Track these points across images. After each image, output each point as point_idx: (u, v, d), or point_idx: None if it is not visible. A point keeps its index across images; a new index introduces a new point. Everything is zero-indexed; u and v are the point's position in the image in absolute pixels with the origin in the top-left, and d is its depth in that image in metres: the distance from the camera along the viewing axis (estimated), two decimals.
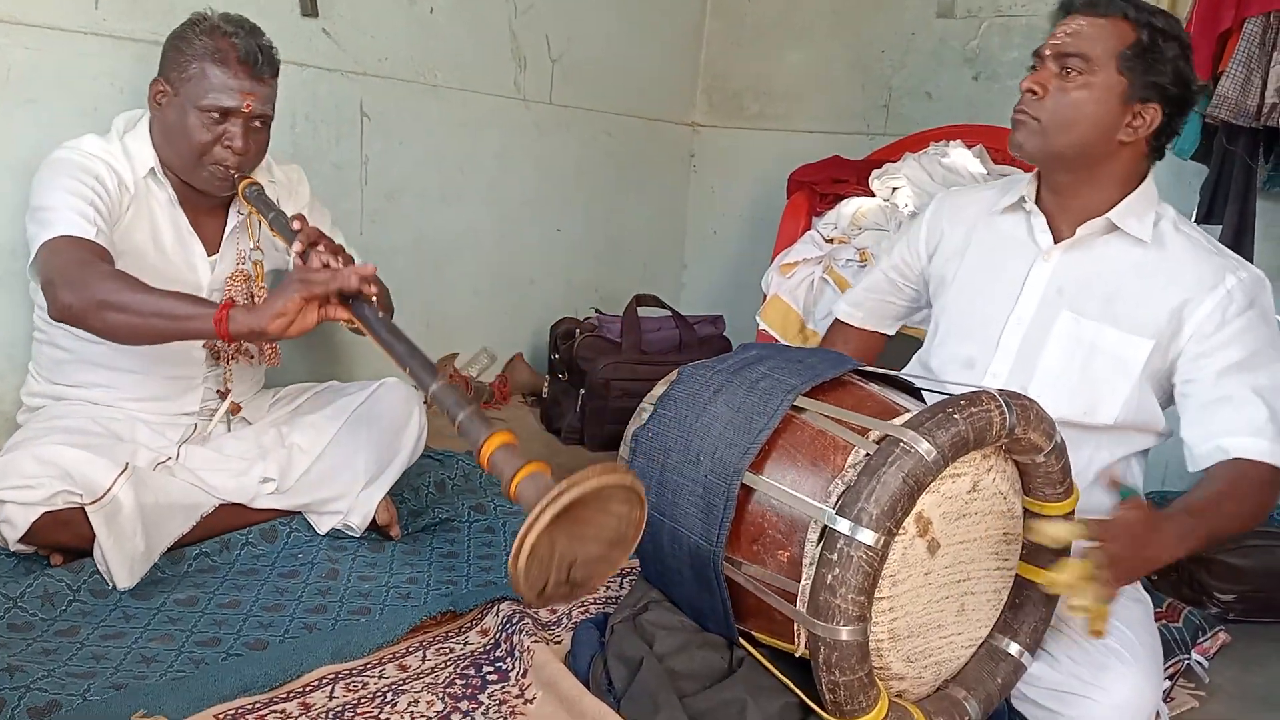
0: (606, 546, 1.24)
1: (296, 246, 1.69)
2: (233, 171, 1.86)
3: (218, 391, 2.04)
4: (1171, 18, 1.56)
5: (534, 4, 3.16)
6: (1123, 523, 1.25)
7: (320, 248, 1.68)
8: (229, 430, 2.07)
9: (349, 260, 1.71)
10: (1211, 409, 1.51)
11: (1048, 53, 1.56)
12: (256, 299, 1.96)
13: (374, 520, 2.03)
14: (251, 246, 2.00)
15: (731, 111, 3.85)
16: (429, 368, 1.48)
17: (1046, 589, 1.33)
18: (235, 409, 2.06)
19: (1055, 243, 1.63)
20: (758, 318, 2.82)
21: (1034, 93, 1.55)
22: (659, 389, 1.57)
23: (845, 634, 1.20)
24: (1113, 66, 1.51)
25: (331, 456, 2.01)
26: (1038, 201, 1.66)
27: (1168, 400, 1.60)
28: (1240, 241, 2.46)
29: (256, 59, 1.83)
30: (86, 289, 1.61)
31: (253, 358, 2.07)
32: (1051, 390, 1.55)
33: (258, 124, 1.87)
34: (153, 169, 1.87)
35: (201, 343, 1.96)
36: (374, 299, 1.60)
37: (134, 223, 1.86)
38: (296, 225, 1.72)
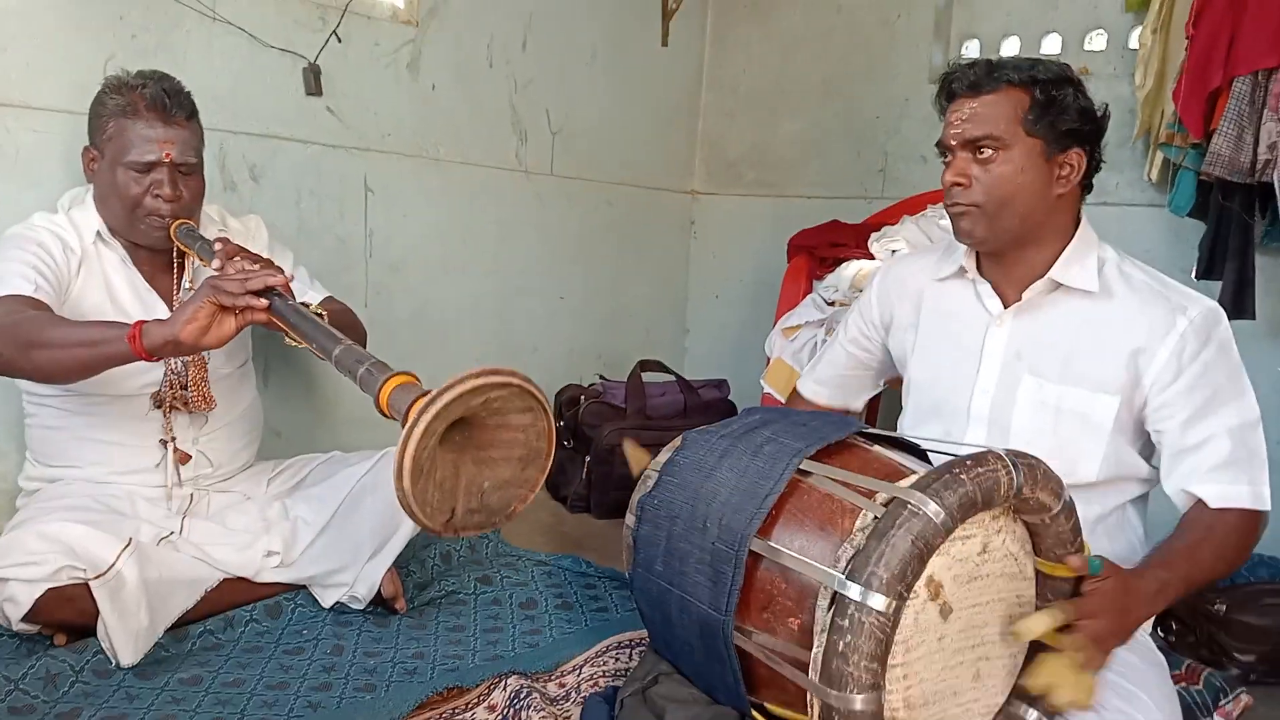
0: (519, 466, 1.18)
1: (216, 263, 1.70)
2: (168, 220, 1.87)
3: (160, 440, 1.97)
4: (1048, 61, 1.56)
5: (534, 79, 3.22)
6: (1099, 595, 1.28)
7: (237, 259, 1.70)
8: (195, 496, 2.03)
9: (271, 267, 1.72)
10: (1182, 457, 1.52)
11: (954, 143, 1.56)
12: (201, 369, 1.97)
13: (379, 593, 2.01)
14: (187, 286, 1.98)
15: (729, 179, 3.90)
16: (332, 337, 1.48)
17: (1032, 692, 1.33)
18: (184, 458, 1.99)
19: (1005, 307, 1.63)
20: (762, 381, 2.82)
21: (961, 185, 1.56)
22: (664, 455, 1.56)
23: (859, 703, 1.18)
24: (1021, 133, 1.52)
25: (336, 529, 2.00)
26: (979, 269, 1.67)
27: (1149, 447, 1.59)
28: (1242, 297, 2.47)
29: (165, 104, 1.84)
30: (14, 332, 1.62)
31: (188, 404, 1.97)
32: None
33: (184, 170, 1.88)
34: (99, 233, 1.90)
35: (146, 393, 1.93)
36: (286, 286, 1.60)
37: (86, 284, 1.88)
38: (217, 246, 1.73)
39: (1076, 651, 1.30)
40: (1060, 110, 1.52)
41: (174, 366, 1.94)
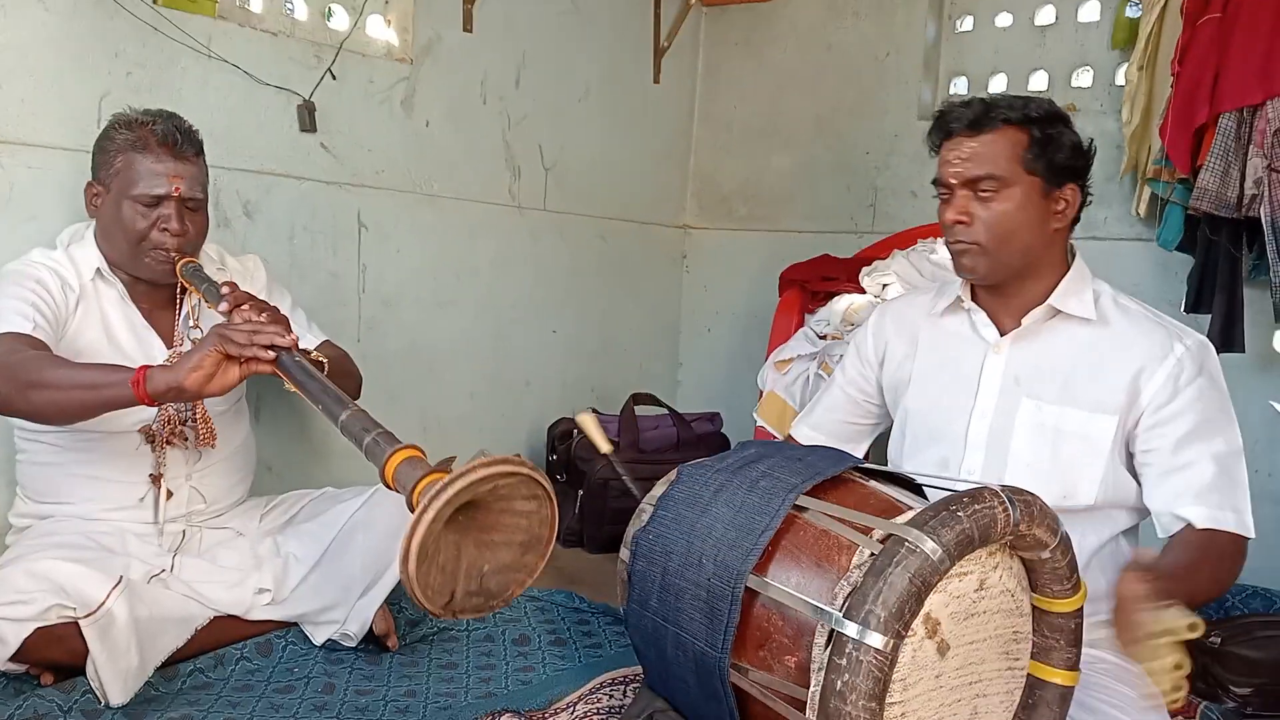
0: (519, 551, 1.19)
1: (223, 307, 1.70)
2: (173, 254, 1.87)
3: (149, 475, 1.95)
4: (1037, 99, 1.59)
5: (527, 115, 3.25)
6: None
7: (245, 307, 1.70)
8: (187, 532, 2.01)
9: (279, 319, 1.72)
10: (1172, 477, 1.54)
11: (954, 181, 1.58)
12: (199, 412, 1.95)
13: (371, 630, 2.00)
14: (191, 325, 1.97)
15: (721, 214, 3.92)
16: (340, 401, 1.48)
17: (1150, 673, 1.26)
18: (167, 494, 1.97)
19: (1002, 335, 1.66)
20: (755, 414, 2.82)
21: (963, 223, 1.58)
22: (658, 489, 1.56)
23: None
24: (1020, 171, 1.55)
25: (327, 565, 1.99)
26: (975, 299, 1.69)
27: (1134, 470, 1.61)
28: (1230, 330, 2.49)
29: (176, 140, 1.86)
30: (14, 372, 1.61)
31: (188, 440, 1.96)
32: (1027, 479, 1.56)
33: (190, 206, 1.89)
34: (99, 269, 1.90)
35: (136, 428, 1.91)
36: (295, 346, 1.60)
37: (84, 321, 1.88)
38: (225, 290, 1.73)
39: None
40: (1056, 146, 1.55)
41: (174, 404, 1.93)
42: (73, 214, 2.14)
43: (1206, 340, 1.59)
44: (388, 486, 1.31)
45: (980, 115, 1.56)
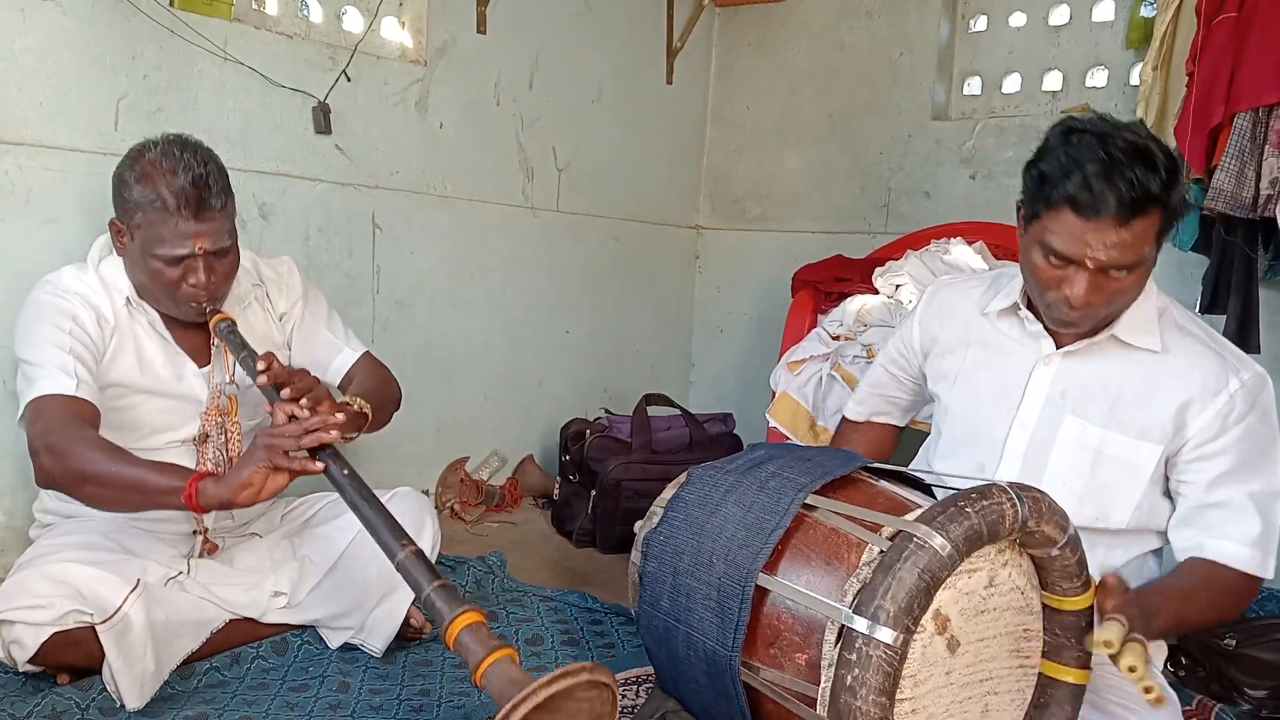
0: None
1: (261, 379, 1.69)
2: (205, 304, 1.84)
3: (194, 532, 1.97)
4: (1169, 154, 1.42)
5: (540, 116, 3.26)
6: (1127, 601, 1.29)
7: (286, 393, 1.68)
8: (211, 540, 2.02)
9: (323, 396, 1.71)
10: (1202, 512, 1.52)
11: (1090, 265, 1.42)
12: (230, 435, 1.95)
13: (407, 623, 2.00)
14: (226, 380, 1.94)
15: (734, 214, 3.93)
16: (397, 533, 1.48)
17: (1095, 650, 1.29)
18: (211, 548, 1.99)
19: (1057, 347, 1.60)
20: (767, 415, 2.82)
21: (1095, 304, 1.46)
22: (669, 491, 1.56)
23: None
24: (1155, 249, 1.44)
25: (343, 570, 1.98)
26: (1031, 306, 1.62)
27: (1169, 494, 1.58)
28: (1245, 332, 2.47)
29: (198, 199, 1.75)
30: (67, 460, 1.61)
31: (220, 460, 1.97)
32: (1061, 495, 1.52)
33: (217, 255, 1.82)
34: (129, 298, 1.86)
35: (174, 446, 1.92)
36: (341, 437, 1.61)
37: (118, 352, 1.85)
38: (262, 366, 1.71)
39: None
40: (1177, 215, 1.46)
41: (216, 443, 1.94)
42: (91, 216, 2.16)
43: (1264, 373, 1.52)
44: (446, 646, 1.35)
45: (1140, 200, 1.37)
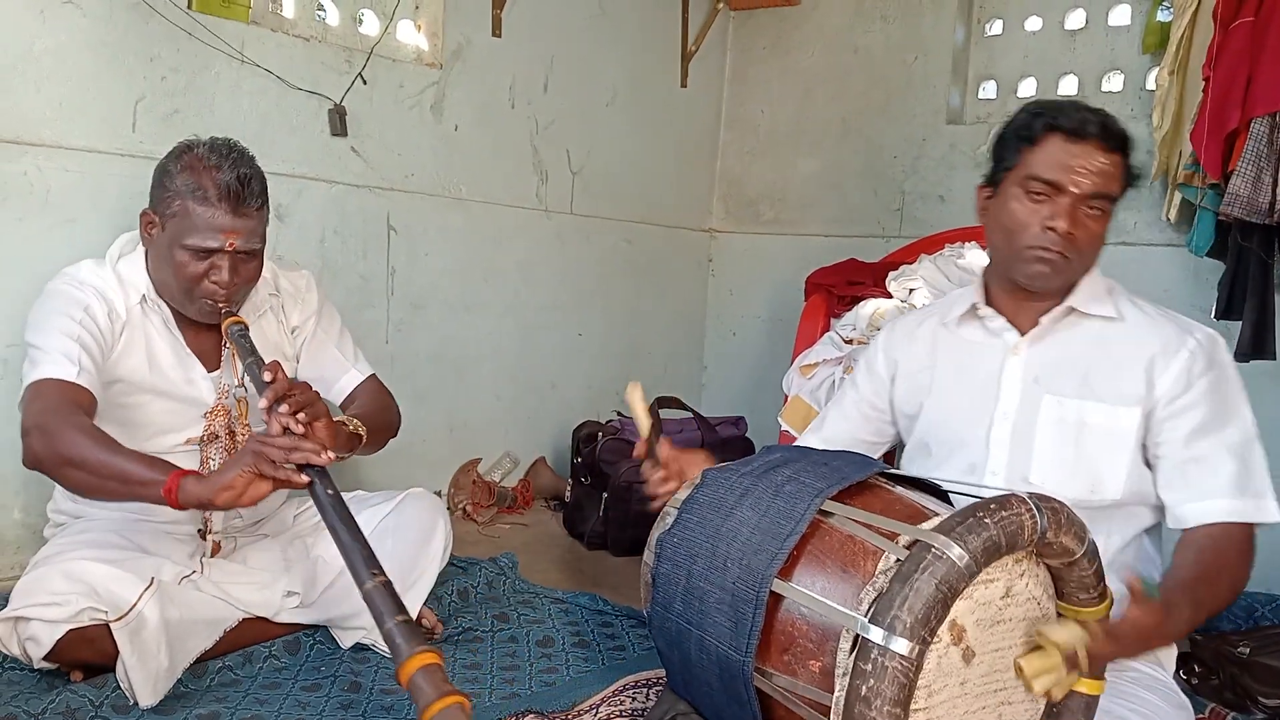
0: None
1: (262, 402, 1.69)
2: (221, 305, 1.85)
3: (199, 531, 1.98)
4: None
5: (555, 119, 3.26)
6: (1131, 627, 1.27)
7: (285, 406, 1.67)
8: (223, 543, 2.03)
9: (321, 413, 1.71)
10: (1186, 469, 1.54)
11: (1075, 191, 1.51)
12: (238, 439, 1.95)
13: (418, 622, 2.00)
14: (235, 384, 1.94)
15: (747, 217, 3.92)
16: (370, 561, 1.48)
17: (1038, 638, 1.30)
18: (216, 548, 1.99)
19: (1021, 335, 1.65)
20: (779, 418, 2.82)
21: (1074, 235, 1.52)
22: (684, 492, 1.56)
23: None
24: (1117, 200, 1.55)
25: None
26: (990, 303, 1.69)
27: (1149, 463, 1.60)
28: (1261, 336, 2.46)
29: (239, 194, 1.78)
30: (55, 442, 1.62)
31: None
32: (1053, 473, 1.57)
33: (244, 256, 1.84)
34: (144, 296, 1.87)
35: (184, 444, 1.92)
36: (330, 461, 1.61)
37: (128, 348, 1.86)
38: (268, 376, 1.71)
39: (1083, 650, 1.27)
40: (1134, 179, 1.57)
41: (223, 445, 1.95)
42: (109, 217, 2.17)
43: (1215, 334, 1.59)
44: (398, 682, 1.34)
45: (1115, 131, 1.52)
